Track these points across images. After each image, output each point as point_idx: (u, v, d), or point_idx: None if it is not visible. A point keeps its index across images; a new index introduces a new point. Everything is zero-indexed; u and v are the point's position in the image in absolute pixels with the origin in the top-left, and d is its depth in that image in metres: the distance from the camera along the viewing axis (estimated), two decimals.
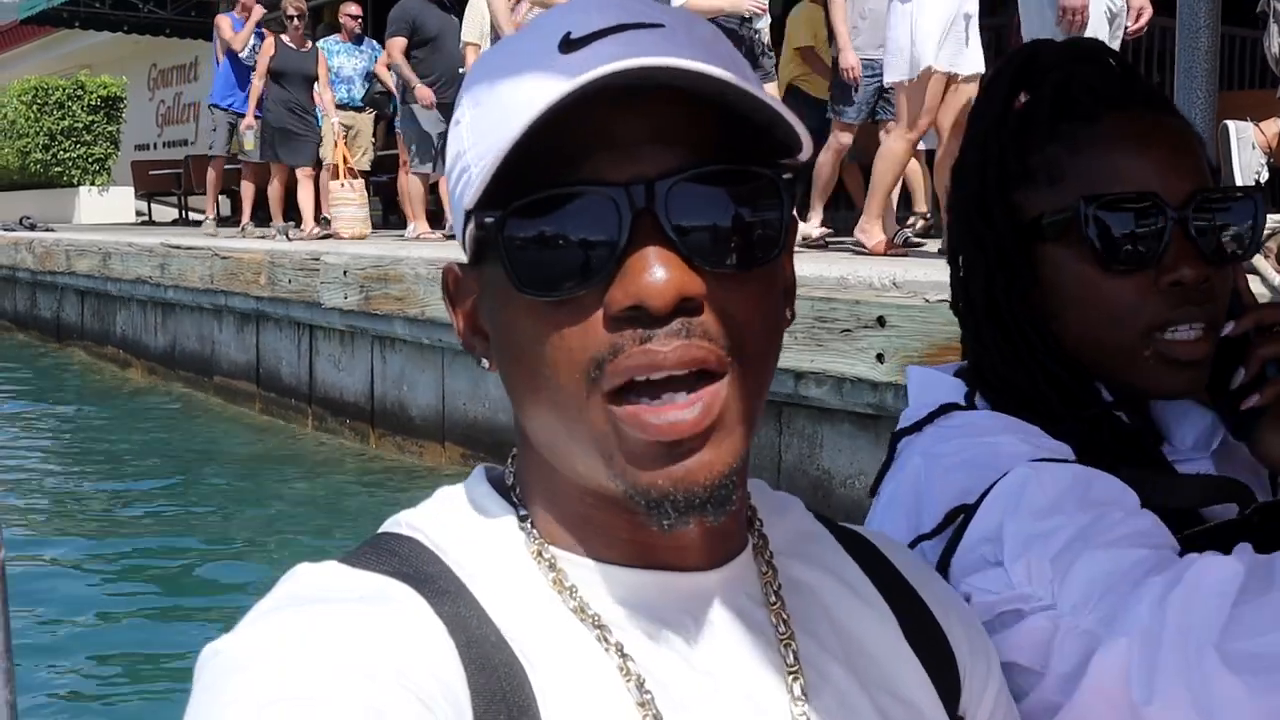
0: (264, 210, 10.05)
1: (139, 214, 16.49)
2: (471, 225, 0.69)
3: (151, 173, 16.19)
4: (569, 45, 0.67)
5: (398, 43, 8.50)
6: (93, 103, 18.03)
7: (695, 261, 0.66)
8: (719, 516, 0.68)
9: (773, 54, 6.63)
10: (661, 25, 0.68)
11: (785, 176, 0.69)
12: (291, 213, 9.80)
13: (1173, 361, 1.06)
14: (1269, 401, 1.05)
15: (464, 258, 0.75)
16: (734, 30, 6.02)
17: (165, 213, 16.13)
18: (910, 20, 5.33)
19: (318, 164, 9.66)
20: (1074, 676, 0.87)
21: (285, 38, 9.55)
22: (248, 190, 10.40)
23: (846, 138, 6.36)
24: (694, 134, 0.66)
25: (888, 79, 5.63)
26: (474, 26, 7.75)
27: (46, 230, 13.02)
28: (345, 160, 9.36)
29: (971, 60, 5.41)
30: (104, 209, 17.01)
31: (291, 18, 9.46)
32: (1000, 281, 1.10)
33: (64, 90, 17.91)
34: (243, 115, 9.84)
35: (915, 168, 6.61)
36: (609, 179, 0.65)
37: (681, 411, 0.65)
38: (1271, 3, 3.73)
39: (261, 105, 9.58)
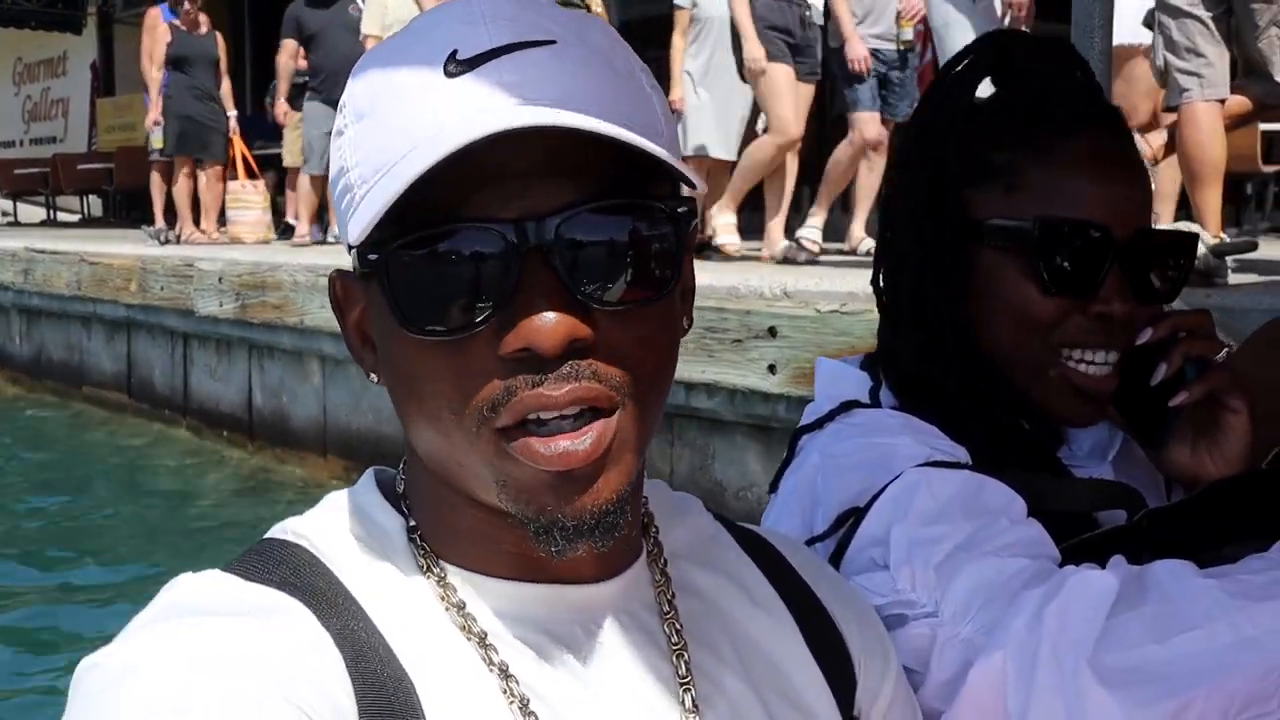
0: (164, 212, 9.17)
1: (4, 214, 15.80)
2: (356, 257, 0.67)
3: (17, 171, 15.52)
4: (456, 65, 0.65)
5: (287, 45, 8.28)
6: None
7: (586, 301, 0.65)
8: (607, 542, 0.68)
9: (818, 35, 5.86)
10: (553, 41, 0.66)
11: (680, 210, 0.68)
12: (170, 214, 9.13)
13: (1076, 390, 1.07)
14: (1197, 399, 1.07)
15: (348, 263, 0.72)
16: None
17: (32, 213, 15.48)
18: None
19: (227, 161, 8.93)
20: (953, 684, 0.88)
21: (177, 22, 8.85)
22: (159, 190, 9.39)
23: (872, 130, 5.63)
24: (584, 169, 0.65)
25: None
26: (375, 18, 7.50)
27: None
28: (246, 158, 8.86)
29: (1128, 29, 4.30)
30: None
31: (181, 1, 8.78)
32: (933, 276, 1.10)
33: None
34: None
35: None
36: (498, 215, 0.64)
37: (572, 441, 0.65)
38: (1157, 15, 3.78)
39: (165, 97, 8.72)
